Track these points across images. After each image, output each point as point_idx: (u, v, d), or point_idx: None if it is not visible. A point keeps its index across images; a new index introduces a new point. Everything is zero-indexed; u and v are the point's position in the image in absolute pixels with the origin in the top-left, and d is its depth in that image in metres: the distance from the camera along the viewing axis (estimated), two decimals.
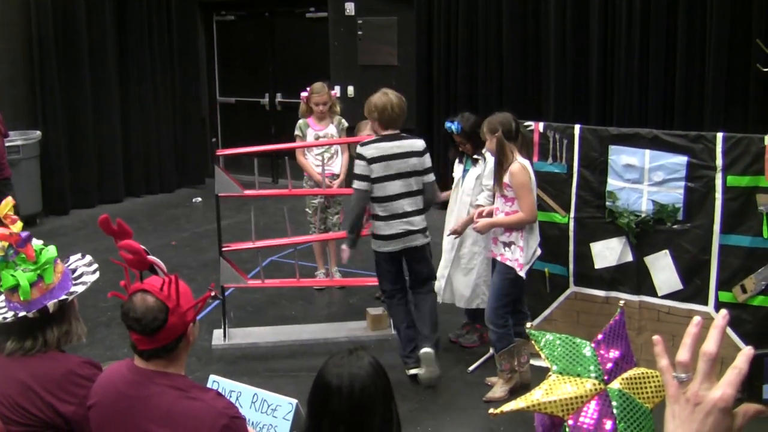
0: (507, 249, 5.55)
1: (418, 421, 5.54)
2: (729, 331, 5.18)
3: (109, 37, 11.65)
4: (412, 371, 6.09)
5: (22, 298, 3.21)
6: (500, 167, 5.45)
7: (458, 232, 6.29)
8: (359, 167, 5.89)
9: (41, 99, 10.93)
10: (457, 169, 6.53)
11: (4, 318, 3.21)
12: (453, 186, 6.58)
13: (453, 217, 6.49)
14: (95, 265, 3.57)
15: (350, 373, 2.78)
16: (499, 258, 5.64)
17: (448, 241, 6.54)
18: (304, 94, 7.75)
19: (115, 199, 11.86)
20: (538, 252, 5.65)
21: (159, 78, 12.43)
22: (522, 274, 5.50)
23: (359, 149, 5.94)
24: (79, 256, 3.62)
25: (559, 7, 9.55)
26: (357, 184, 5.92)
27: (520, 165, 5.38)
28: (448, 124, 6.40)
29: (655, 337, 1.42)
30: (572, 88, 9.60)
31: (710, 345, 1.31)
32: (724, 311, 1.34)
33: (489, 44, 10.24)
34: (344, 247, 6.26)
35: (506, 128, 5.44)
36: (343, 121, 7.86)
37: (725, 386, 1.28)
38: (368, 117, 6.10)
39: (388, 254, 6.05)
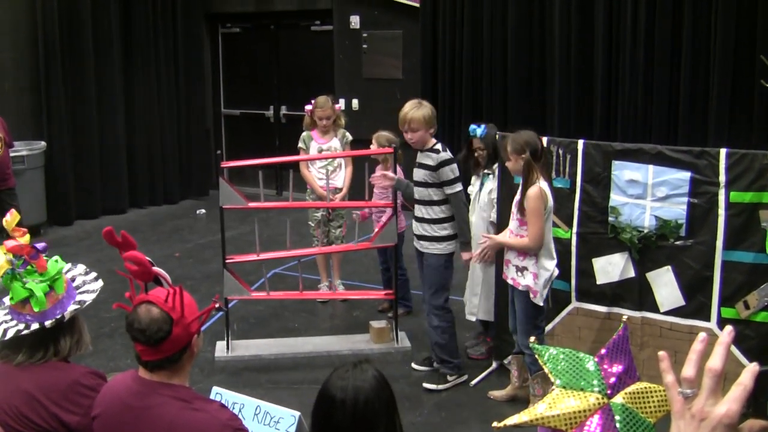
0: (519, 274, 5.48)
1: None
2: (732, 347, 5.17)
3: (114, 48, 11.69)
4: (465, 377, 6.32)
5: (36, 309, 3.22)
6: (525, 189, 5.32)
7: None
8: (455, 170, 5.99)
9: (46, 110, 10.96)
10: (475, 183, 6.55)
11: (18, 331, 3.22)
12: (471, 201, 6.60)
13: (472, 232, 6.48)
14: (94, 273, 3.58)
15: (354, 386, 2.77)
16: (510, 282, 5.58)
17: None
18: (308, 107, 7.73)
19: (119, 210, 11.88)
20: (556, 272, 5.57)
21: (164, 90, 12.47)
22: (537, 301, 5.43)
23: (447, 155, 5.98)
24: (70, 265, 3.62)
25: (564, 20, 9.57)
26: (459, 186, 6.00)
27: (538, 189, 5.26)
28: (473, 127, 6.42)
29: (661, 353, 1.42)
30: (576, 101, 9.62)
31: (716, 361, 1.31)
32: (729, 327, 1.35)
33: (493, 58, 10.27)
34: (467, 255, 6.10)
35: (533, 149, 5.31)
36: (348, 134, 7.84)
37: (730, 402, 1.28)
38: (424, 128, 5.98)
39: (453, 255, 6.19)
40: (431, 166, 5.97)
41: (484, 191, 6.43)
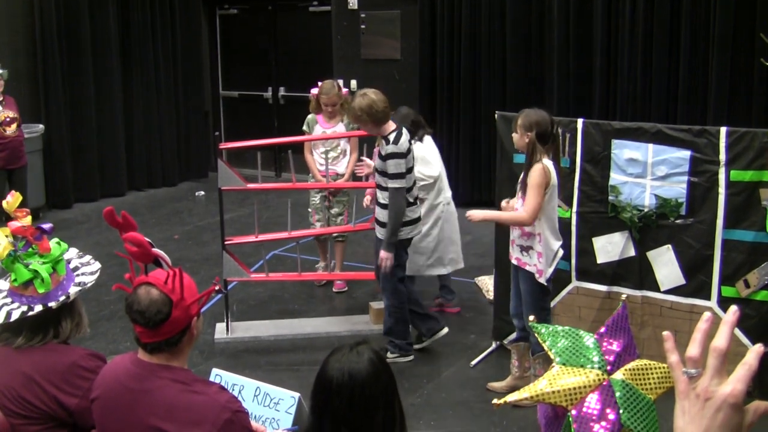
0: (525, 253, 5.42)
1: (420, 415, 5.55)
2: None
3: (112, 30, 11.64)
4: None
5: (41, 291, 3.20)
6: (527, 168, 5.27)
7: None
8: (400, 165, 5.86)
9: (44, 93, 10.93)
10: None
11: (24, 313, 3.20)
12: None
13: None
14: (88, 256, 3.57)
15: (350, 369, 2.75)
16: (515, 262, 5.53)
17: None
18: (314, 91, 7.55)
19: (117, 193, 11.86)
20: (561, 252, 5.51)
21: (162, 71, 12.42)
22: (542, 280, 5.37)
23: (393, 148, 5.86)
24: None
25: (563, 0, 9.53)
26: (400, 183, 5.88)
27: (541, 166, 5.19)
28: None
29: (665, 333, 1.41)
30: (575, 82, 9.59)
31: (720, 341, 1.30)
32: (734, 307, 1.33)
33: (492, 38, 10.23)
34: (388, 254, 6.00)
35: (541, 130, 5.23)
36: None
37: (735, 382, 1.27)
38: (354, 120, 6.20)
39: (412, 239, 6.18)
40: (382, 155, 5.96)
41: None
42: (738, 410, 1.28)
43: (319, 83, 7.56)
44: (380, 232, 6.10)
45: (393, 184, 5.87)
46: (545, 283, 5.42)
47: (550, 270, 5.42)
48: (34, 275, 3.21)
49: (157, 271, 3.07)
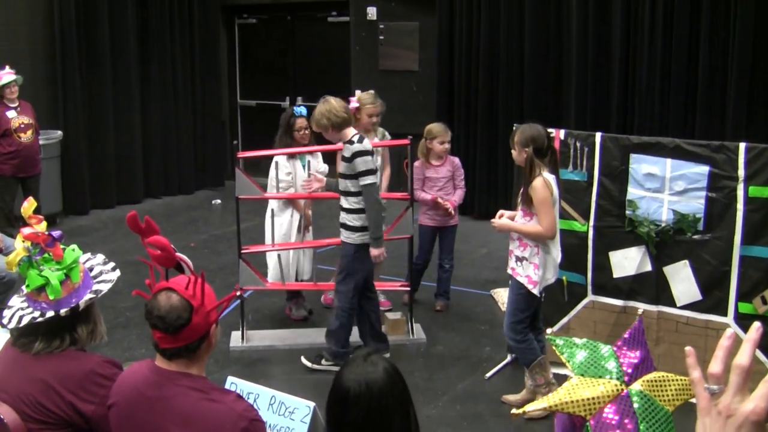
0: (519, 264, 5.47)
1: (434, 428, 5.53)
2: None
3: (130, 39, 11.72)
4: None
5: (51, 297, 3.22)
6: (527, 182, 5.32)
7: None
8: (368, 162, 5.97)
9: (63, 99, 10.99)
10: (288, 164, 7.04)
11: (33, 318, 3.22)
12: (288, 178, 7.03)
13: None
14: (112, 263, 3.58)
15: (367, 379, 2.76)
16: (510, 271, 5.58)
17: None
18: (355, 104, 7.02)
19: (134, 200, 11.89)
20: (556, 271, 5.57)
21: (180, 80, 12.48)
22: (535, 291, 5.41)
23: (360, 146, 5.97)
24: (89, 255, 3.62)
25: (581, 14, 9.54)
26: (371, 179, 5.99)
27: (542, 180, 5.24)
28: (297, 109, 7.01)
29: (688, 349, 1.42)
30: (593, 95, 9.58)
31: (743, 358, 1.30)
32: (757, 324, 1.34)
33: (510, 50, 10.24)
34: (379, 250, 6.10)
35: (538, 145, 5.28)
36: (387, 134, 7.43)
37: (758, 399, 1.27)
38: (316, 127, 6.19)
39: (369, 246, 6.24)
40: (347, 157, 6.02)
41: (312, 166, 7.01)
42: (760, 428, 1.28)
43: (353, 98, 7.13)
44: (345, 236, 6.18)
45: (365, 180, 5.97)
46: (537, 294, 5.45)
47: (550, 280, 5.47)
48: (45, 282, 3.23)
49: (178, 277, 3.08)
